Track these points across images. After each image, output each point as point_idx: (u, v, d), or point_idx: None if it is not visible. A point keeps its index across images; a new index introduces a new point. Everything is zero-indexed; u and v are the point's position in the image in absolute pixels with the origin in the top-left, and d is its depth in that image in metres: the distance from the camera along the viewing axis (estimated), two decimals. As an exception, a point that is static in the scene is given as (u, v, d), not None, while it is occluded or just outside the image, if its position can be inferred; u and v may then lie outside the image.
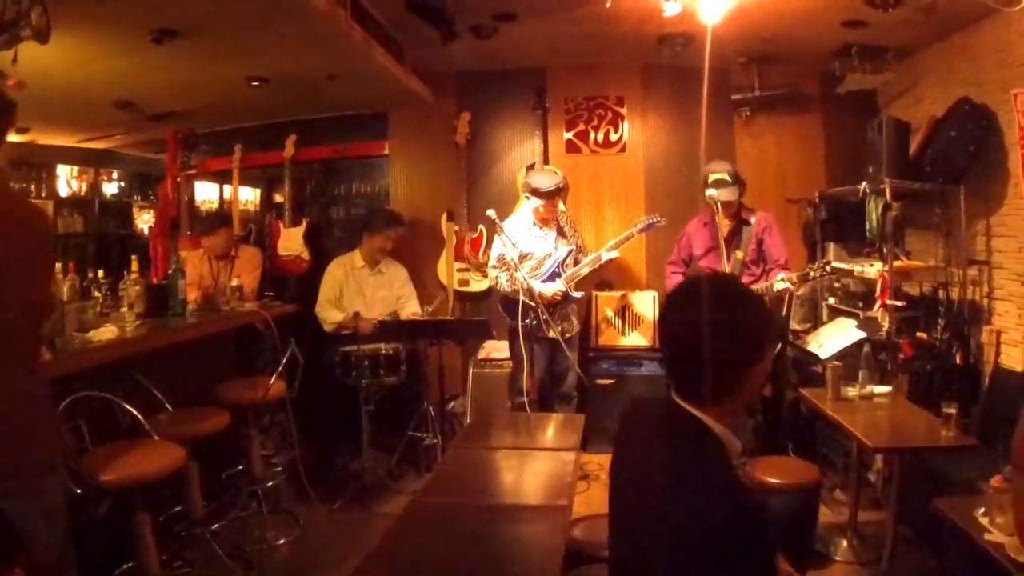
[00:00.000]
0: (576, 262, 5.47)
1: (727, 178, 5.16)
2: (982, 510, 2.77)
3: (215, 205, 7.70)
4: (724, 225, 5.18)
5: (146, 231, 8.24)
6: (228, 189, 7.20)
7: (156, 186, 7.94)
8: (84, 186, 8.02)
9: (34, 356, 2.54)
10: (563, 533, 2.57)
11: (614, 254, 5.49)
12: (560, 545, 2.44)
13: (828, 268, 4.86)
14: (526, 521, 2.72)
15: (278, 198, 7.15)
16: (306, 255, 6.66)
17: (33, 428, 2.38)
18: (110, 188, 8.24)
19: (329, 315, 5.81)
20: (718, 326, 1.72)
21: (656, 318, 6.12)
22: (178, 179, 7.13)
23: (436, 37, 4.85)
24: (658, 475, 1.76)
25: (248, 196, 7.59)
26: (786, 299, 5.51)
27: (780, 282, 4.90)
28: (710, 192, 5.09)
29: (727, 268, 5.03)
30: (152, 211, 8.31)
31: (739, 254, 5.22)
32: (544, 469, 3.25)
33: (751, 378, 1.78)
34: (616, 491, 2.02)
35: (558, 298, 5.33)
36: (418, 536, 2.57)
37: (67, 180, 7.85)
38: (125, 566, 3.80)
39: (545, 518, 2.69)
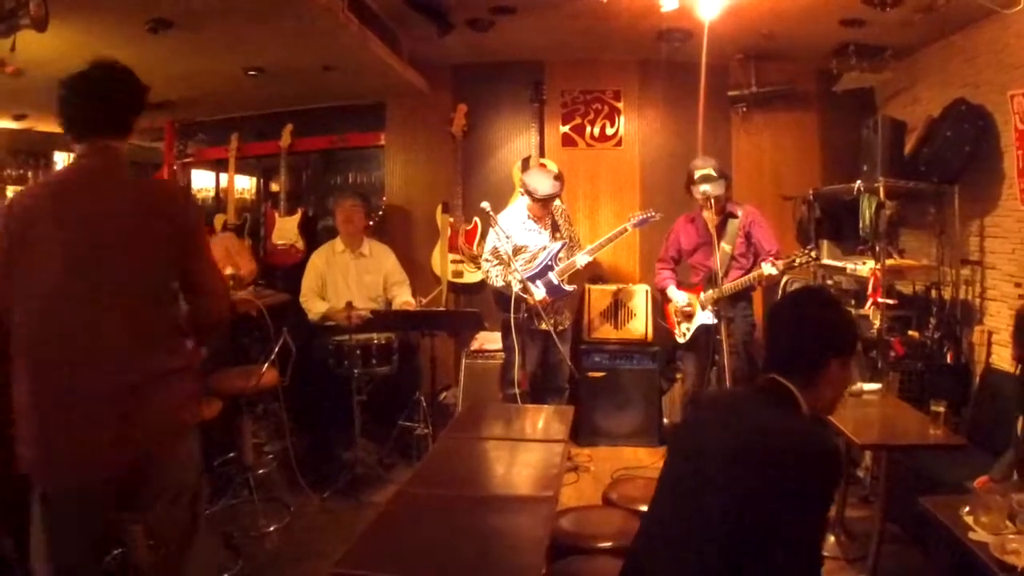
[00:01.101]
0: (569, 256, 5.47)
1: (713, 173, 5.17)
2: (967, 509, 2.78)
3: (211, 193, 7.70)
4: (711, 220, 5.19)
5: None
6: (225, 178, 7.20)
7: (153, 174, 7.92)
8: (81, 173, 7.99)
9: (172, 334, 2.61)
10: (548, 524, 2.58)
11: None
12: (545, 536, 2.46)
13: (813, 255, 4.87)
14: (512, 512, 2.72)
15: (274, 187, 7.14)
16: (300, 244, 6.65)
17: (172, 395, 2.54)
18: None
19: (313, 305, 5.80)
20: (816, 317, 2.18)
21: (649, 312, 6.17)
22: (174, 167, 7.14)
23: (432, 30, 4.84)
24: (753, 425, 2.07)
25: (245, 185, 7.59)
26: (779, 293, 5.54)
27: (767, 267, 4.93)
28: (703, 188, 5.09)
29: (717, 262, 5.04)
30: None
31: (727, 247, 5.24)
32: (532, 460, 3.26)
33: (832, 369, 2.13)
34: (682, 462, 2.23)
35: (545, 304, 5.33)
36: (403, 527, 2.58)
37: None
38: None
39: (531, 509, 2.69)
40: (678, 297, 5.42)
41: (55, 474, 2.46)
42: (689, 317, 5.37)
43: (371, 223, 6.30)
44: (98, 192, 2.54)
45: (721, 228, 5.28)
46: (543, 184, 5.35)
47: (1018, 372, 3.88)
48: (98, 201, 2.52)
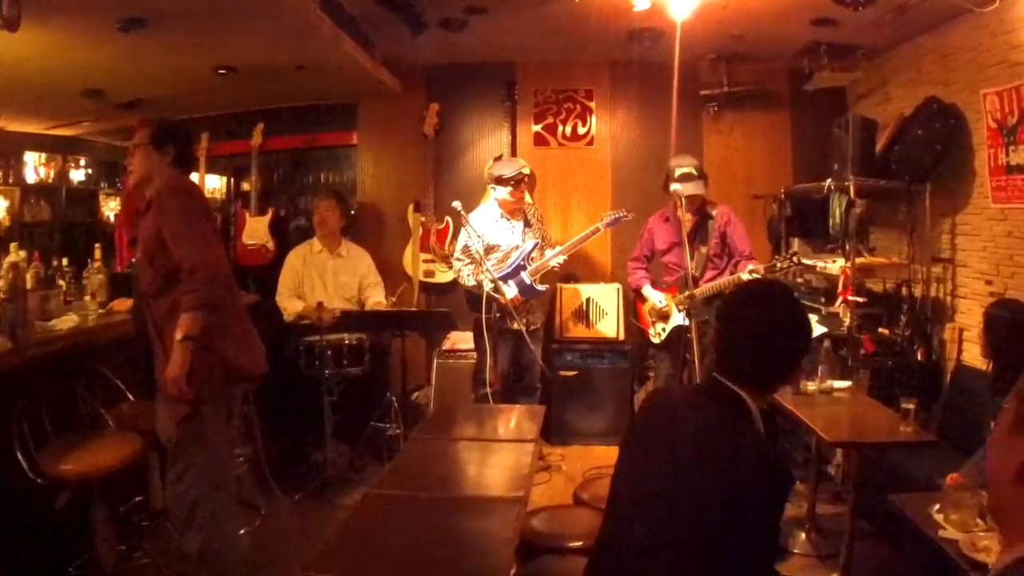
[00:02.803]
0: (542, 255, 5.45)
1: (693, 172, 5.14)
2: (937, 507, 2.79)
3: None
4: (687, 219, 5.17)
5: (112, 219, 8.13)
6: (195, 177, 7.12)
7: (123, 174, 7.83)
8: (52, 173, 7.86)
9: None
10: (517, 524, 2.56)
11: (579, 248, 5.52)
12: (513, 537, 2.44)
13: (796, 260, 4.85)
14: (481, 512, 2.71)
15: (246, 187, 7.08)
16: (271, 245, 6.59)
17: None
18: (77, 175, 8.09)
19: (289, 304, 5.77)
20: (789, 325, 2.11)
21: (621, 311, 6.16)
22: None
23: (406, 30, 4.81)
24: (701, 434, 2.02)
25: (215, 184, 7.51)
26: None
27: (748, 274, 4.91)
28: (675, 187, 5.05)
29: (691, 263, 5.02)
30: (118, 199, 8.20)
31: (703, 248, 5.23)
32: (502, 461, 3.25)
33: (794, 372, 2.15)
34: (633, 465, 2.20)
35: (516, 303, 5.31)
36: (372, 529, 2.56)
37: (35, 167, 7.70)
38: (84, 557, 3.79)
39: (500, 510, 2.67)
40: (655, 297, 5.41)
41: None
42: (665, 318, 5.35)
43: (345, 224, 6.26)
44: None
45: (697, 228, 5.28)
46: (508, 167, 5.35)
47: (989, 369, 3.91)
48: None
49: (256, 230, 6.65)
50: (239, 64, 5.49)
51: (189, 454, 3.29)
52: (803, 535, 4.27)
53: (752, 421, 2.03)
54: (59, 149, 7.80)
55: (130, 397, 4.02)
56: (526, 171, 5.45)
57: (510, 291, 5.26)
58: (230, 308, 3.40)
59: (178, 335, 3.14)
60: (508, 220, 5.45)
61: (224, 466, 3.46)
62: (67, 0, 3.97)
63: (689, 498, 1.90)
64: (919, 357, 5.05)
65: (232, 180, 7.42)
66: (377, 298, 5.93)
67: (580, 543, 2.96)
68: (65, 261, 5.32)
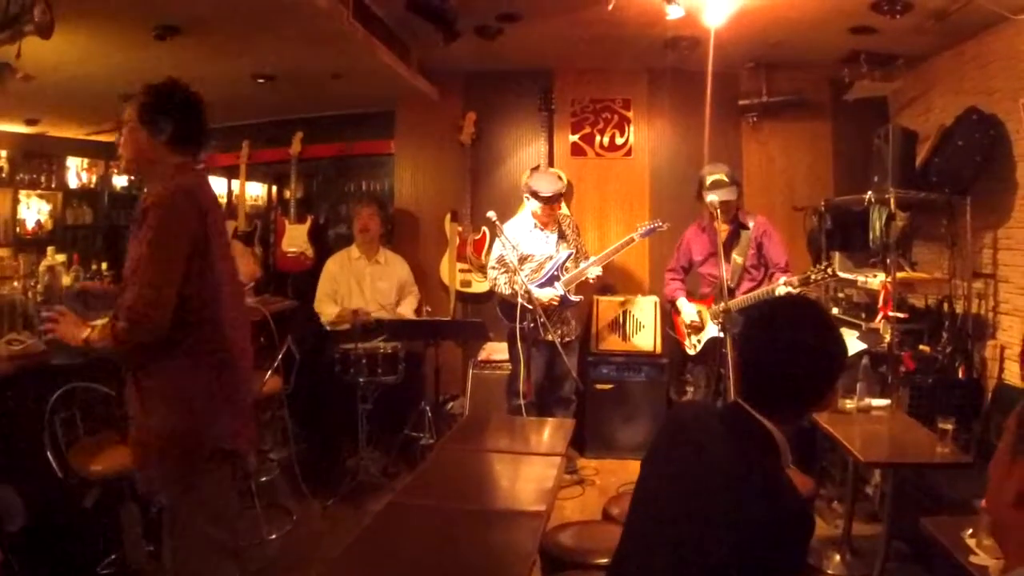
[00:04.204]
0: (576, 265, 5.43)
1: (725, 179, 5.09)
2: (970, 531, 2.71)
3: (223, 200, 7.71)
4: (722, 230, 5.11)
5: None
6: (236, 184, 7.22)
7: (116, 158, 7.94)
8: (94, 178, 8.05)
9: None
10: (537, 539, 2.53)
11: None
12: (532, 552, 2.42)
13: (830, 271, 4.76)
14: (502, 525, 2.69)
15: (286, 194, 7.15)
16: (310, 252, 6.66)
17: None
18: (120, 180, 8.25)
19: (327, 308, 5.88)
20: (816, 347, 1.89)
21: (658, 323, 6.10)
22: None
23: (439, 37, 4.82)
24: (718, 473, 1.85)
25: (257, 191, 7.60)
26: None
27: (782, 286, 4.84)
28: (710, 197, 5.01)
29: (727, 273, 4.96)
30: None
31: (738, 258, 5.17)
32: (527, 474, 3.23)
33: (827, 396, 1.93)
34: (651, 492, 2.05)
35: (555, 304, 5.30)
36: (391, 539, 2.54)
37: (77, 172, 7.88)
38: (113, 556, 3.83)
39: (521, 523, 2.65)
40: (686, 310, 5.36)
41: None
42: (699, 330, 5.31)
43: (384, 231, 6.31)
44: None
45: (733, 238, 5.23)
46: (547, 184, 5.33)
47: None
48: None
49: (295, 237, 6.72)
50: (276, 72, 5.55)
51: (185, 518, 2.85)
52: (838, 556, 4.19)
53: (777, 458, 1.87)
54: (101, 154, 7.95)
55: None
56: (563, 190, 5.43)
57: (549, 291, 5.28)
58: (230, 363, 2.84)
59: (89, 333, 2.77)
60: (542, 230, 5.43)
61: (228, 532, 2.98)
62: (100, 8, 4.03)
63: (700, 540, 1.79)
64: (960, 375, 4.92)
65: (272, 188, 7.50)
66: (405, 309, 6.01)
67: (606, 559, 2.91)
68: (104, 265, 5.42)
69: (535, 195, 5.31)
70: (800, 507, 1.79)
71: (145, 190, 2.92)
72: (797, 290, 4.80)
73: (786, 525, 1.73)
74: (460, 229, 6.57)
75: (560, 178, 5.52)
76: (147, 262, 2.60)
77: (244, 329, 3.01)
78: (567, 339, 5.45)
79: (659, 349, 6.07)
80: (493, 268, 5.48)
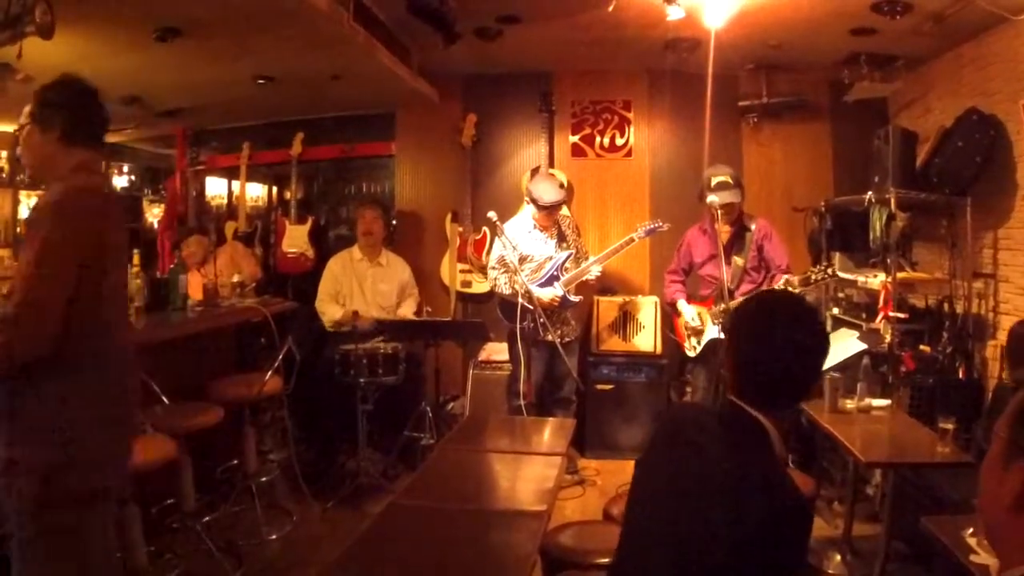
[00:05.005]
0: (576, 265, 5.43)
1: (729, 181, 5.10)
2: (971, 530, 2.71)
3: (224, 201, 7.74)
4: (724, 231, 5.12)
5: (155, 225, 8.28)
6: (237, 185, 7.23)
7: (166, 180, 7.97)
8: (95, 179, 8.06)
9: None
10: (537, 539, 2.53)
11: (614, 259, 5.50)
12: (532, 552, 2.42)
13: (830, 272, 4.78)
14: (502, 526, 2.69)
15: (287, 195, 7.16)
16: (310, 253, 6.67)
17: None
18: (120, 181, 8.27)
19: (328, 309, 5.88)
20: (812, 345, 1.95)
21: (658, 324, 6.09)
22: (186, 174, 7.17)
23: (438, 39, 4.83)
24: (718, 474, 1.86)
25: (257, 192, 7.61)
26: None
27: (782, 285, 4.85)
28: (711, 198, 5.02)
29: (728, 275, 4.97)
30: (161, 205, 8.35)
31: (739, 260, 5.18)
32: (527, 474, 3.23)
33: (813, 385, 2.06)
34: (650, 492, 2.06)
35: (555, 303, 5.31)
36: (391, 540, 2.55)
37: (78, 173, 7.89)
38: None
39: (521, 524, 2.65)
40: (686, 312, 5.37)
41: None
42: (699, 332, 5.31)
43: (386, 233, 6.32)
44: None
45: (734, 240, 5.23)
46: (548, 192, 5.32)
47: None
48: None
49: (296, 238, 6.73)
50: (277, 74, 5.56)
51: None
52: (838, 556, 4.19)
53: (773, 451, 1.89)
54: (102, 156, 7.96)
55: (164, 400, 4.06)
56: (563, 198, 5.44)
57: (550, 291, 5.28)
58: (116, 386, 2.56)
59: None
60: (542, 232, 5.44)
61: None
62: (101, 10, 4.03)
63: (700, 540, 1.81)
64: (960, 375, 4.94)
65: (272, 189, 7.51)
66: (405, 311, 6.00)
67: (606, 560, 2.92)
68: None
69: (535, 202, 5.32)
70: (798, 501, 1.82)
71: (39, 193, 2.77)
72: (797, 290, 4.81)
73: (784, 519, 1.76)
74: (461, 230, 6.58)
75: (562, 185, 5.52)
76: (34, 271, 2.33)
77: (129, 352, 2.73)
78: (567, 339, 5.45)
79: (659, 350, 6.08)
80: (493, 268, 5.48)
